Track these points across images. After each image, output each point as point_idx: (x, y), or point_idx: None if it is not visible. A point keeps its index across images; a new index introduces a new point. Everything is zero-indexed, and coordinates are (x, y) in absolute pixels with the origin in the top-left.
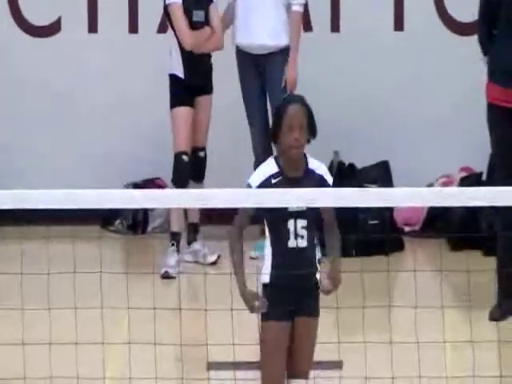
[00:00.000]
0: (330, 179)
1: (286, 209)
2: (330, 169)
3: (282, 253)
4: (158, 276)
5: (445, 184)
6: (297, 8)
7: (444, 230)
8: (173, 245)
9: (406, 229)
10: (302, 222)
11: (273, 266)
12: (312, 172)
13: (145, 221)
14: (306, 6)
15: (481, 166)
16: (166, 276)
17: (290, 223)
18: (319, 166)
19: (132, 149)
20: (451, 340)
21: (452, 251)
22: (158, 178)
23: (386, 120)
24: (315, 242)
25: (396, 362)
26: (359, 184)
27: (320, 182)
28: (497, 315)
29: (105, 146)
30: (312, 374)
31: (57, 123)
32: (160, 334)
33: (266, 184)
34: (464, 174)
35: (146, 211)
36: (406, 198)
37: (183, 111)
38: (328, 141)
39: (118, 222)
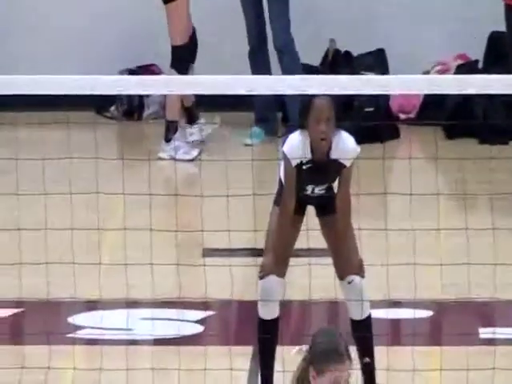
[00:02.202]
0: (348, 162)
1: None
2: (326, 56)
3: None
4: (153, 162)
5: (441, 71)
6: None
7: (439, 118)
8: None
9: (402, 116)
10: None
11: None
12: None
13: (140, 107)
14: None
15: (477, 53)
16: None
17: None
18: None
19: (127, 35)
20: (445, 227)
21: (447, 139)
22: (154, 65)
23: (381, 7)
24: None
25: (391, 248)
26: (355, 71)
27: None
28: None
29: (101, 33)
30: (307, 260)
31: (53, 8)
32: (156, 220)
33: (299, 167)
34: (460, 62)
35: (141, 97)
36: (401, 85)
37: (184, 2)
38: (324, 28)
39: (113, 107)
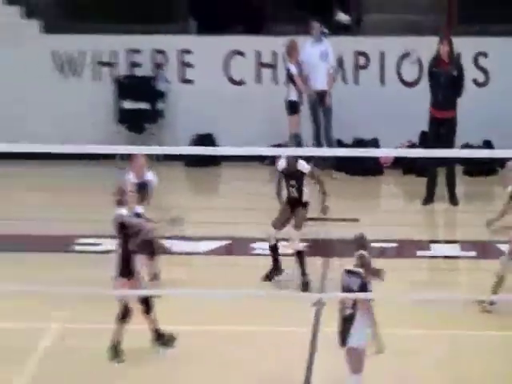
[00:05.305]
0: (305, 168)
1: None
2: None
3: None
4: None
5: (402, 146)
6: (331, 71)
7: (402, 166)
8: None
9: (384, 164)
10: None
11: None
12: (301, 170)
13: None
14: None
15: (415, 139)
16: None
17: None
18: (304, 166)
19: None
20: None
21: (404, 175)
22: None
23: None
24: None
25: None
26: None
27: (302, 173)
28: (425, 203)
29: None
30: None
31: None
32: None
33: (283, 172)
34: (408, 143)
35: None
36: (385, 152)
37: (298, 117)
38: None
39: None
